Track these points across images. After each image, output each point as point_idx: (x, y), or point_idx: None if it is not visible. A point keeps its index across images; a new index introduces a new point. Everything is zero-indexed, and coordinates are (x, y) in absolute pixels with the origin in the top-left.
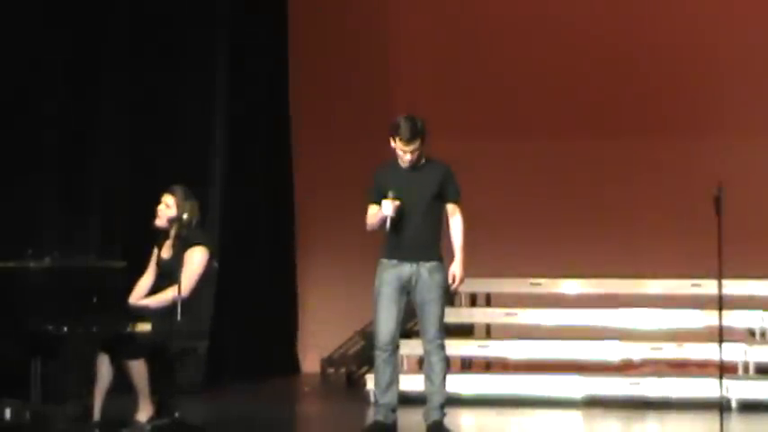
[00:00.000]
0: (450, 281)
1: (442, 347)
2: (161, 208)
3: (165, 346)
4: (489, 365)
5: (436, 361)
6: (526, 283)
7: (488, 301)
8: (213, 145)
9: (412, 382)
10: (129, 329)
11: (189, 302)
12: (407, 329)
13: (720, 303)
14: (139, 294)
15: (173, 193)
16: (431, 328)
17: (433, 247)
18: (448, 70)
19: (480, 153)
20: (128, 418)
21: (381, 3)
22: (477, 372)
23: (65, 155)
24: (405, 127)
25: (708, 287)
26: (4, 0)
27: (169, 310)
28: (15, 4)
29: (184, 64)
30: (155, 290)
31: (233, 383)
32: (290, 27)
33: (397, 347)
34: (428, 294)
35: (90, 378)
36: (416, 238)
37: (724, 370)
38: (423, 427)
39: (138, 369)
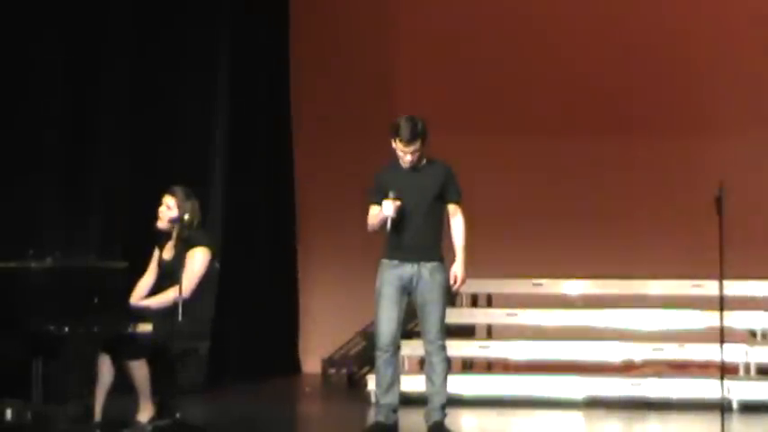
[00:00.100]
0: (451, 281)
1: (444, 348)
2: (162, 210)
3: (166, 346)
4: (490, 366)
5: (437, 361)
6: (527, 283)
7: (489, 301)
8: (214, 145)
9: (413, 383)
10: (130, 330)
11: (190, 303)
12: (409, 330)
13: (721, 304)
14: (140, 295)
15: (173, 194)
16: (432, 328)
17: (434, 248)
18: (449, 70)
19: (481, 153)
20: (129, 418)
21: (382, 3)
22: (479, 372)
23: (66, 155)
24: (405, 128)
25: (709, 288)
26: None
27: (170, 310)
28: (15, 4)
29: (185, 64)
30: (156, 290)
31: (234, 384)
32: (290, 27)
33: (398, 348)
34: (429, 295)
35: (91, 378)
36: (417, 238)
37: (725, 371)
38: (424, 427)
39: (140, 369)
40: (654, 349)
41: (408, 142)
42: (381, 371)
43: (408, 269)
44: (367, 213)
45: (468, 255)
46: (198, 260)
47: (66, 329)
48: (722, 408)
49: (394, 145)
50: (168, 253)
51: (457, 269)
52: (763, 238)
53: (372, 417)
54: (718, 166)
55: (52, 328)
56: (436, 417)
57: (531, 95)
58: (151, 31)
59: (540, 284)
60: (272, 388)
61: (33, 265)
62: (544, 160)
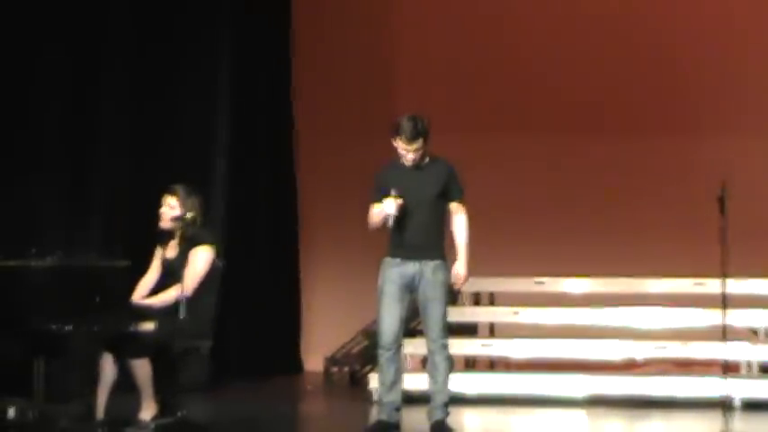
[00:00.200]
0: (453, 280)
1: (446, 346)
2: (164, 210)
3: (168, 345)
4: (493, 364)
5: (440, 360)
6: (530, 282)
7: (492, 300)
8: (215, 144)
9: (415, 381)
10: (132, 328)
11: (192, 302)
12: (411, 328)
13: (724, 302)
14: (142, 293)
15: (173, 193)
16: (434, 327)
17: (436, 246)
18: (452, 69)
19: (483, 152)
20: (131, 417)
21: (384, 3)
22: (481, 371)
23: (67, 154)
24: (407, 126)
25: (711, 286)
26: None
27: (172, 309)
28: (17, 4)
29: (186, 64)
30: (160, 289)
31: (236, 382)
32: (292, 27)
33: (400, 346)
34: (431, 293)
35: (93, 377)
36: (420, 236)
37: (728, 369)
38: (426, 426)
39: (142, 368)
40: (656, 347)
41: (410, 141)
42: (384, 369)
43: (410, 267)
44: (368, 212)
45: (471, 253)
46: (201, 258)
47: (69, 328)
48: (725, 406)
49: (396, 144)
50: (172, 251)
51: (459, 268)
52: (766, 237)
53: (375, 415)
54: (720, 164)
55: (54, 326)
56: (439, 415)
57: (535, 94)
58: (152, 30)
59: (543, 283)
60: (274, 386)
61: (35, 263)
62: (546, 159)
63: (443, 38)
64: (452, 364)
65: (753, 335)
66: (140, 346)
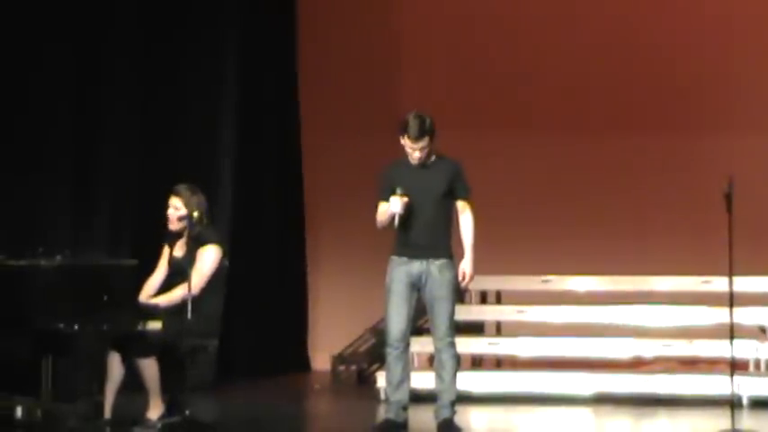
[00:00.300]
0: (460, 278)
1: (453, 345)
2: (170, 212)
3: (175, 344)
4: (500, 363)
5: (447, 358)
6: (536, 280)
7: (499, 298)
8: (221, 144)
9: (423, 380)
10: (139, 328)
11: (199, 301)
12: (418, 327)
13: (731, 300)
14: (149, 292)
15: (178, 194)
16: (441, 325)
17: (443, 245)
18: (456, 67)
19: (490, 150)
20: (139, 416)
21: (389, 2)
22: (488, 369)
23: (74, 154)
24: (413, 125)
25: (718, 284)
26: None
27: (180, 308)
28: (21, 4)
29: (192, 64)
30: (167, 288)
31: (243, 381)
32: (298, 26)
33: (407, 345)
34: (438, 292)
35: (101, 376)
36: (426, 235)
37: (735, 367)
38: (433, 424)
39: (149, 367)
40: (663, 345)
41: (417, 139)
42: (391, 368)
43: (417, 266)
44: (376, 210)
45: (478, 251)
46: (208, 258)
47: (76, 327)
48: (732, 404)
49: (402, 142)
50: (179, 251)
51: (466, 266)
52: None
53: (382, 414)
54: (727, 162)
55: (62, 326)
56: (446, 413)
57: (541, 92)
58: (158, 30)
59: (549, 281)
60: (282, 385)
61: (43, 263)
62: (553, 157)
63: (448, 37)
64: (459, 362)
65: (760, 333)
66: (147, 345)
